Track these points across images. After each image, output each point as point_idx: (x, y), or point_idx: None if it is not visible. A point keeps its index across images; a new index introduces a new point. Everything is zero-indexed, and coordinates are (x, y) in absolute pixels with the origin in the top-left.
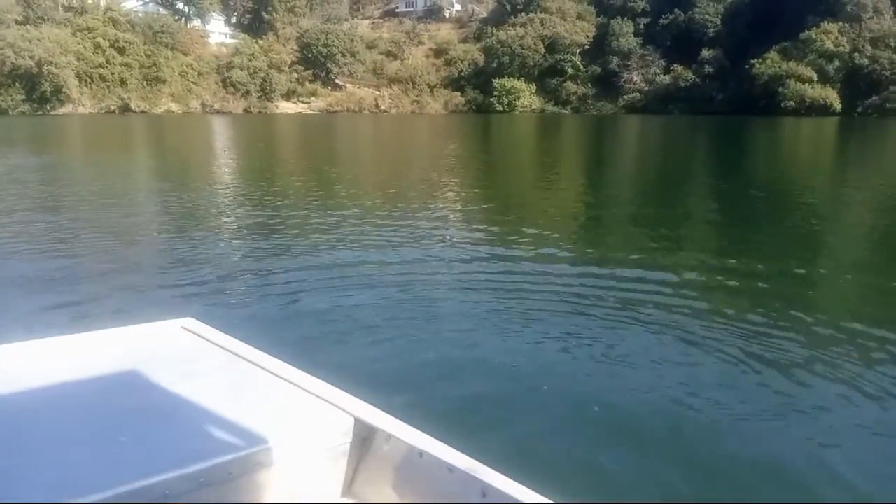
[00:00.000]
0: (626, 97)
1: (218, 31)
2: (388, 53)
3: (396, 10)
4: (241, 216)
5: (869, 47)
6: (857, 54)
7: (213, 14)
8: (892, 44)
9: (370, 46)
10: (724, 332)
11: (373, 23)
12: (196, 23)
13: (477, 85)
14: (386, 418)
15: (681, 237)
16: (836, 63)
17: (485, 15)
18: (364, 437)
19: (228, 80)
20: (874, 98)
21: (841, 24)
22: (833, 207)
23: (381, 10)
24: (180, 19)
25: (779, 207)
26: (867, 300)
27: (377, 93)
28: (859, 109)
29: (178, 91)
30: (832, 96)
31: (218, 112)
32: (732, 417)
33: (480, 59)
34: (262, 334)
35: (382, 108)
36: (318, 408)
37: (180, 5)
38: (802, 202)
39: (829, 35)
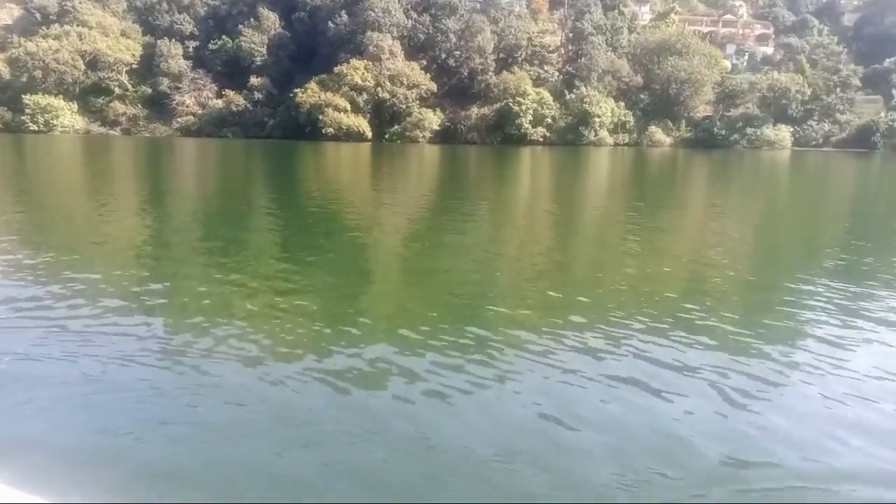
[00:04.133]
0: (179, 119)
1: None
2: None
3: None
4: None
5: (389, 83)
6: (379, 88)
7: None
8: (405, 81)
9: None
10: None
11: None
12: None
13: (3, 101)
14: None
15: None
16: (365, 95)
17: (9, 22)
18: None
19: None
20: (396, 126)
21: (366, 61)
22: (373, 214)
23: None
24: None
25: (328, 218)
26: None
27: None
28: (386, 136)
29: None
30: (364, 124)
31: None
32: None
33: (5, 71)
34: None
35: None
36: None
37: None
38: (349, 212)
39: (357, 70)
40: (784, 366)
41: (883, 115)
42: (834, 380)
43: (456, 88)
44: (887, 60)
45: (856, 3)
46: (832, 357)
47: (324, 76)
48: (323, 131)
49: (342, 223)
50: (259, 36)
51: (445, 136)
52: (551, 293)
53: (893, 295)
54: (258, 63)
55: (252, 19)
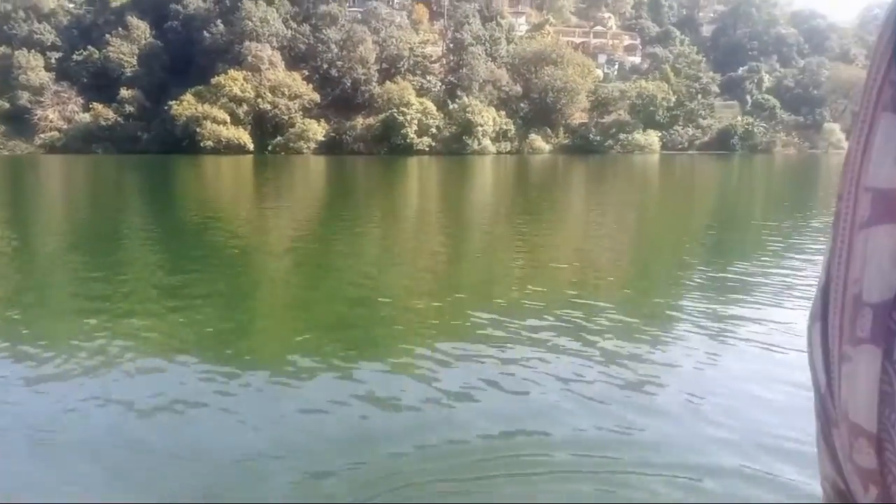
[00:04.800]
0: (43, 136)
1: None
2: None
3: None
4: None
5: (270, 94)
6: (260, 99)
7: None
8: (287, 92)
9: None
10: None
11: None
12: None
13: None
14: None
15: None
16: (245, 107)
17: None
18: None
19: None
20: (279, 138)
21: (245, 72)
22: (260, 232)
23: None
24: None
25: (209, 238)
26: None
27: None
28: (269, 148)
29: None
30: (245, 137)
31: None
32: None
33: None
34: None
35: None
36: None
37: None
38: (231, 231)
39: (235, 81)
40: (655, 362)
41: (739, 119)
42: (707, 373)
43: (340, 99)
44: (741, 68)
45: (712, 15)
46: (704, 351)
47: (201, 87)
48: (201, 144)
49: (223, 243)
50: (128, 46)
51: (331, 147)
52: (438, 304)
53: (755, 286)
54: (129, 74)
55: (120, 28)
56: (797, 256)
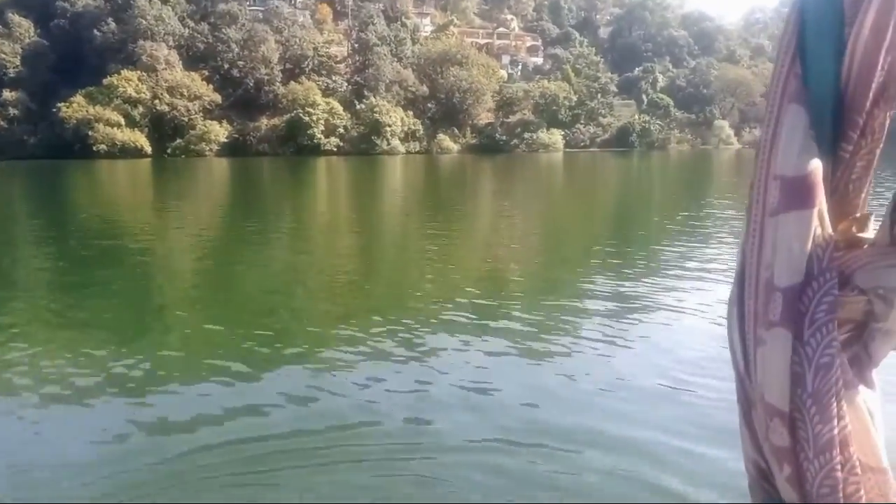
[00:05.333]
0: None
1: None
2: None
3: None
4: None
5: (167, 95)
6: (157, 101)
7: None
8: (186, 93)
9: None
10: None
11: None
12: None
13: None
14: None
15: None
16: (141, 108)
17: None
18: None
19: None
20: (179, 141)
21: (140, 72)
22: (158, 242)
23: None
24: None
25: (105, 250)
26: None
27: None
28: (168, 151)
29: None
30: (142, 140)
31: None
32: None
33: None
34: None
35: None
36: None
37: None
38: (129, 241)
39: (130, 82)
40: (562, 355)
41: (637, 117)
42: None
43: (242, 99)
44: (636, 69)
45: (608, 17)
46: (610, 341)
47: (92, 89)
48: (94, 149)
49: (118, 254)
50: (10, 45)
51: (235, 149)
52: (351, 307)
53: (657, 274)
54: (12, 76)
55: (1, 27)
56: (697, 244)
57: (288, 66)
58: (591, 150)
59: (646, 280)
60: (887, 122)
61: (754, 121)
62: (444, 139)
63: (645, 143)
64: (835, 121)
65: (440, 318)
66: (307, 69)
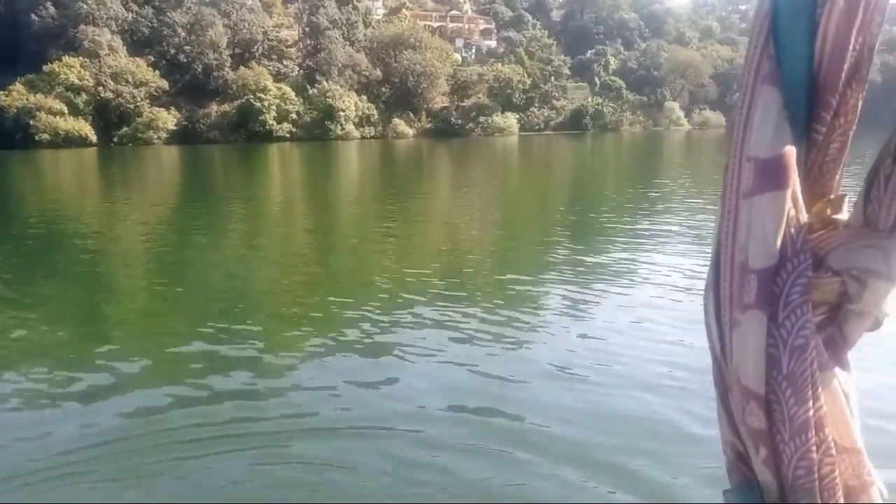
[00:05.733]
0: None
1: None
2: None
3: None
4: None
5: (112, 82)
6: (101, 88)
7: None
8: (131, 79)
9: None
10: None
11: None
12: None
13: None
14: None
15: None
16: (85, 96)
17: None
18: None
19: None
20: (125, 129)
21: (82, 58)
22: (105, 234)
23: None
24: None
25: (50, 245)
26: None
27: None
28: (115, 140)
29: None
30: (86, 128)
31: None
32: None
33: None
34: None
35: None
36: None
37: None
38: (75, 235)
39: (72, 69)
40: (521, 340)
41: (590, 100)
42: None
43: (190, 85)
44: (589, 51)
45: (561, 0)
46: (567, 323)
47: (32, 76)
48: (37, 138)
49: (64, 247)
50: None
51: (184, 137)
52: (308, 297)
53: (614, 256)
54: None
55: None
56: (650, 223)
57: (237, 50)
58: (546, 133)
59: (603, 256)
60: (859, 103)
61: (703, 102)
62: (400, 124)
63: (598, 126)
64: (808, 102)
65: (397, 303)
66: (257, 54)
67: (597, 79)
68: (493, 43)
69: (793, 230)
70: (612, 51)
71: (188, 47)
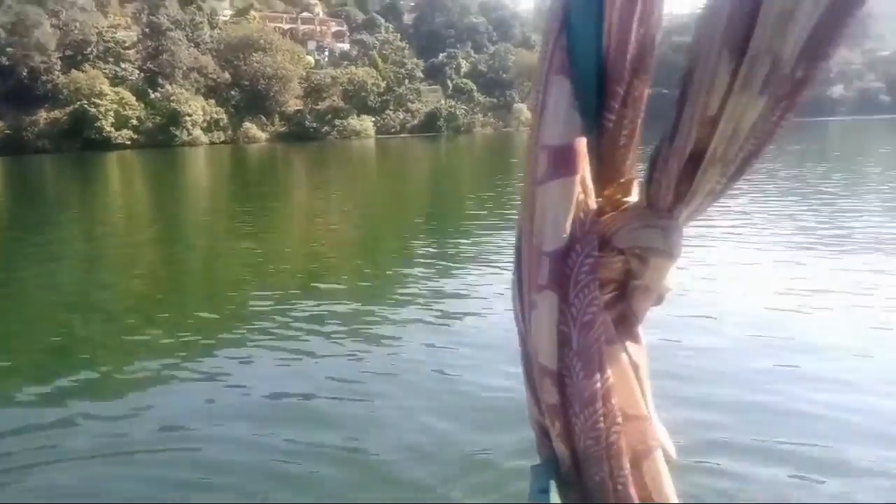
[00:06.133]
0: None
1: None
2: None
3: None
4: None
5: None
6: None
7: None
8: None
9: None
10: None
11: None
12: None
13: None
14: None
15: None
16: None
17: None
18: None
19: None
20: None
21: None
22: None
23: None
24: None
25: None
26: None
27: None
28: None
29: None
30: None
31: None
32: None
33: None
34: None
35: None
36: None
37: None
38: None
39: None
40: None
41: (443, 102)
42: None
43: (15, 91)
44: (441, 55)
45: (412, 3)
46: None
47: None
48: None
49: None
50: None
51: (10, 147)
52: (152, 315)
53: (464, 245)
54: None
55: None
56: (497, 222)
57: (68, 52)
58: (402, 135)
59: (459, 262)
60: (646, 92)
61: None
62: (251, 128)
63: (452, 128)
64: (598, 91)
65: (251, 315)
66: (91, 56)
67: (449, 81)
68: (346, 46)
69: (582, 213)
70: (463, 54)
71: (11, 49)
